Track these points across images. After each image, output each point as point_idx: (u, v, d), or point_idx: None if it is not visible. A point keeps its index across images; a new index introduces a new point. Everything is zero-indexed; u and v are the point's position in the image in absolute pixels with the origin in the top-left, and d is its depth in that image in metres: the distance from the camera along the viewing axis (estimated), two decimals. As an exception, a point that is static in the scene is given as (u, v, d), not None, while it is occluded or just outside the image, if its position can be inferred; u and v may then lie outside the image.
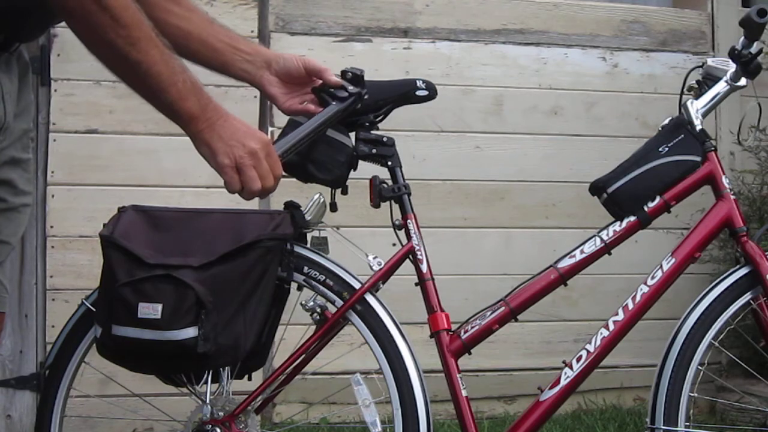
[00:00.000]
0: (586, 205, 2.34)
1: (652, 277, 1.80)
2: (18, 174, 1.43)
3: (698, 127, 1.84)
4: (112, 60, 1.23)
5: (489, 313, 1.81)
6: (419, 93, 1.83)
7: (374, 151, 1.81)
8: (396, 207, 1.83)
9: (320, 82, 1.68)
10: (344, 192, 1.82)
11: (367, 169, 1.83)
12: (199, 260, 1.62)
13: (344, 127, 1.78)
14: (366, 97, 1.70)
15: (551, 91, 3.21)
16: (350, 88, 1.68)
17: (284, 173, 1.52)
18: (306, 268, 1.76)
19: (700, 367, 1.75)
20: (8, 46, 1.32)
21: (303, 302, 1.79)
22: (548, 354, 3.06)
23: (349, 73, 1.70)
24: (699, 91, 1.91)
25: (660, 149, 1.84)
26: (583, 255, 1.81)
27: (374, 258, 1.79)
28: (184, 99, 1.27)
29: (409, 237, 1.81)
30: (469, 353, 1.80)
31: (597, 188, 1.86)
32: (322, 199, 1.81)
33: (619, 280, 2.62)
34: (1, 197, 1.40)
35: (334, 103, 1.66)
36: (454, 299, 1.92)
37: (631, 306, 1.79)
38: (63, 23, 1.25)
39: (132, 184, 2.82)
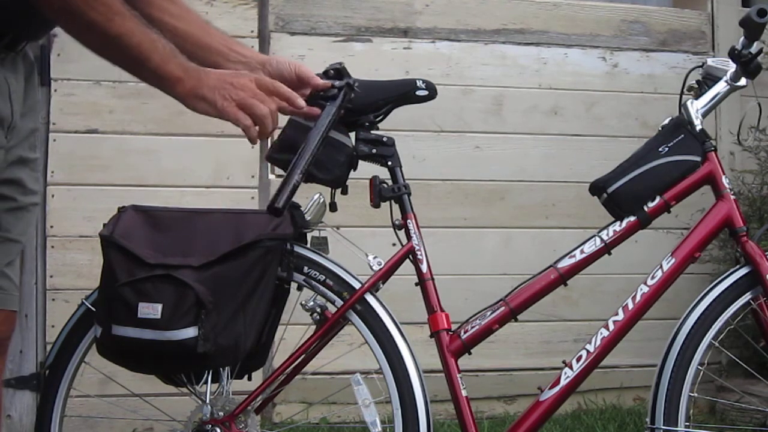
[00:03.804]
0: (586, 205, 2.34)
1: (652, 277, 1.80)
2: (26, 173, 1.44)
3: (698, 127, 1.84)
4: (95, 40, 1.27)
5: (489, 313, 1.81)
6: (419, 93, 1.82)
7: (374, 151, 1.80)
8: (396, 207, 1.83)
9: (309, 89, 1.65)
10: (344, 192, 1.82)
11: (367, 169, 1.83)
12: (199, 260, 1.62)
13: (344, 127, 1.78)
14: (356, 84, 1.69)
15: (551, 91, 3.21)
16: (336, 83, 1.67)
17: (284, 173, 1.52)
18: (306, 268, 1.76)
19: (700, 367, 1.75)
20: (14, 45, 1.33)
21: (303, 302, 1.79)
22: (548, 354, 3.06)
23: (331, 71, 1.70)
24: (699, 91, 1.90)
25: (660, 149, 1.84)
26: (583, 255, 1.81)
27: (374, 258, 1.79)
28: (166, 62, 1.32)
29: (409, 237, 1.81)
30: (469, 353, 1.80)
31: (597, 188, 1.85)
32: (322, 199, 1.81)
33: (619, 280, 2.62)
34: (11, 196, 1.42)
35: (329, 103, 1.66)
36: (454, 299, 1.92)
37: (631, 306, 1.79)
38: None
39: (132, 184, 2.82)
